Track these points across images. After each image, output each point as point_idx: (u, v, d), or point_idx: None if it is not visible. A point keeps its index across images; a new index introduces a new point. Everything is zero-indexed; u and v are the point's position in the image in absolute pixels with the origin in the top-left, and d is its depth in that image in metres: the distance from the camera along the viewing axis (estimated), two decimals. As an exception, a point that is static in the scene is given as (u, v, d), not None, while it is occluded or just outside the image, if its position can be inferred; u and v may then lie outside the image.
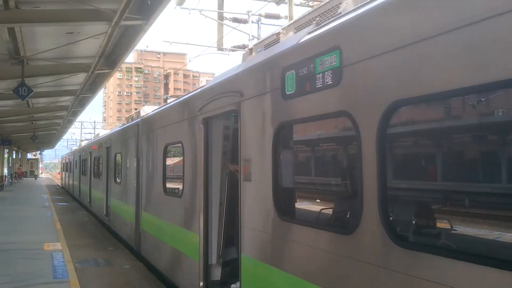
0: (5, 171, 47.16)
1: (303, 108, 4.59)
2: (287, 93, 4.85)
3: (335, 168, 4.61)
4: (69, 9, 10.75)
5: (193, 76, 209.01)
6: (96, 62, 15.04)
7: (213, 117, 7.29)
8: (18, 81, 15.33)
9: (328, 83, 4.16)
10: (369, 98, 3.66)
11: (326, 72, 4.19)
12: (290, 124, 4.93)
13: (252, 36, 18.85)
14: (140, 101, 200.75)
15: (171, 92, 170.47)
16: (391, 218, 3.48)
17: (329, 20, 4.79)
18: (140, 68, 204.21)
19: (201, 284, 7.31)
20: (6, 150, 46.55)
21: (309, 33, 4.89)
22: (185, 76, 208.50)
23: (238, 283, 7.06)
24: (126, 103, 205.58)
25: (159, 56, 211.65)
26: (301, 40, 4.84)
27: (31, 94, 14.51)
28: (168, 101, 20.34)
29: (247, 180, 5.80)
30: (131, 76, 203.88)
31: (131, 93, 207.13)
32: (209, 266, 7.43)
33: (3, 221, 18.53)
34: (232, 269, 7.52)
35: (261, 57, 5.92)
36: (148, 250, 10.92)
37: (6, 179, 46.27)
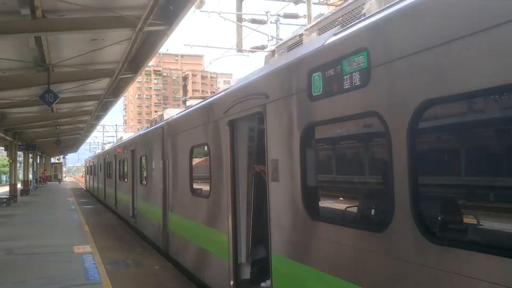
0: (30, 176, 48.05)
1: (330, 109, 4.69)
2: (314, 94, 4.95)
3: (363, 168, 4.69)
4: (94, 16, 11.01)
5: (211, 77, 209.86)
6: (120, 67, 15.33)
7: (238, 119, 7.43)
8: (44, 87, 15.70)
9: (356, 84, 4.25)
10: (399, 98, 3.75)
11: (354, 73, 4.29)
12: (317, 125, 5.03)
13: (271, 36, 18.96)
14: (160, 103, 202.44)
15: (189, 94, 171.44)
16: (423, 215, 3.56)
17: (354, 22, 4.88)
18: (159, 71, 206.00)
19: (231, 283, 7.45)
20: (31, 155, 47.40)
21: (335, 34, 4.99)
22: (203, 77, 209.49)
23: (268, 282, 7.21)
24: (146, 106, 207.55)
25: (177, 58, 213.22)
26: (327, 42, 4.94)
27: (57, 100, 14.86)
28: (187, 103, 20.57)
29: (274, 180, 5.92)
30: (150, 79, 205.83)
31: (150, 96, 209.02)
32: (238, 265, 7.56)
33: (32, 225, 18.98)
34: (261, 268, 7.65)
35: (285, 59, 6.02)
36: (176, 250, 11.11)
37: (31, 183, 47.17)
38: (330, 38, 5.00)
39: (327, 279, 4.73)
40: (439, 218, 3.72)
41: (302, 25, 21.00)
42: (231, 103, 7.48)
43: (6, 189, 37.39)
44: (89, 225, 18.54)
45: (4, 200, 29.04)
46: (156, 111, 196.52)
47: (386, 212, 3.95)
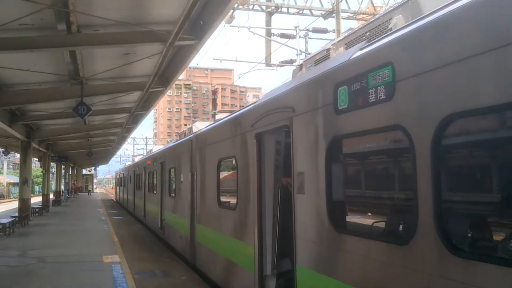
0: (62, 186, 49.06)
1: (356, 123, 4.75)
2: (340, 108, 5.02)
3: (388, 181, 4.71)
4: (127, 31, 11.32)
5: (240, 91, 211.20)
6: (151, 80, 15.65)
7: (265, 132, 7.52)
8: (77, 100, 16.13)
9: (381, 98, 4.30)
10: (423, 112, 3.78)
11: (379, 87, 4.34)
12: (343, 138, 5.08)
13: (300, 51, 19.08)
14: (189, 117, 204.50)
15: (219, 108, 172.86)
16: (446, 228, 3.57)
17: (380, 36, 4.94)
18: (189, 84, 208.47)
19: (257, 294, 7.49)
20: (63, 166, 48.45)
21: (361, 49, 5.05)
22: (232, 91, 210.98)
23: (292, 294, 7.24)
24: (176, 119, 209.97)
25: (206, 72, 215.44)
26: (353, 56, 5.00)
27: (90, 112, 15.22)
28: (217, 116, 20.78)
29: (300, 193, 5.98)
30: (180, 92, 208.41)
31: (180, 109, 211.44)
32: (264, 277, 7.60)
33: (63, 235, 19.39)
34: (286, 280, 7.67)
35: (312, 73, 6.11)
36: (203, 262, 11.21)
37: (63, 194, 48.14)
38: (356, 52, 5.07)
39: (351, 291, 4.74)
40: (463, 231, 3.72)
41: (331, 40, 21.09)
42: (258, 117, 7.58)
43: (39, 199, 38.21)
44: (118, 236, 18.82)
45: (37, 209, 29.72)
46: (185, 124, 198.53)
47: (409, 225, 3.96)
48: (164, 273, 11.33)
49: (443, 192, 3.61)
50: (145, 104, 21.65)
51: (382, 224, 4.75)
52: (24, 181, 25.19)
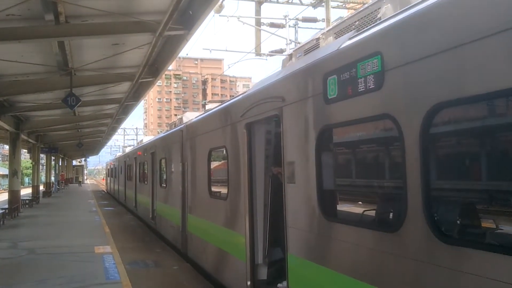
0: (52, 178, 48.82)
1: (345, 112, 4.78)
2: (329, 97, 5.04)
3: (377, 169, 4.76)
4: (116, 21, 11.24)
5: (230, 81, 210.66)
6: (141, 71, 15.57)
7: (255, 122, 7.53)
8: (66, 91, 16.04)
9: (370, 87, 4.33)
10: (412, 101, 3.82)
11: (368, 77, 4.37)
12: (332, 127, 5.11)
13: (290, 40, 19.06)
14: (180, 107, 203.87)
15: (209, 98, 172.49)
16: (435, 216, 3.62)
17: (369, 26, 4.96)
18: (179, 75, 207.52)
19: (249, 283, 7.55)
20: (53, 158, 48.17)
21: (350, 38, 5.08)
22: (222, 81, 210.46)
23: (284, 283, 7.30)
24: (166, 110, 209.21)
25: (196, 62, 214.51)
26: (342, 46, 5.02)
27: (79, 103, 15.15)
28: (207, 106, 20.77)
29: (291, 182, 6.02)
30: (170, 83, 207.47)
31: (170, 100, 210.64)
32: (255, 266, 7.66)
33: (54, 226, 19.35)
34: (277, 269, 7.74)
35: (301, 63, 6.12)
36: (195, 252, 11.26)
37: (54, 185, 47.92)
38: (346, 42, 5.09)
39: (342, 279, 4.80)
40: (451, 219, 3.78)
41: (321, 29, 21.06)
42: (248, 106, 7.59)
43: (29, 190, 38.02)
44: (110, 226, 18.82)
45: (27, 201, 29.58)
46: (176, 115, 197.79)
47: (398, 213, 4.02)
48: (156, 263, 11.36)
49: (432, 180, 3.66)
50: (135, 95, 21.57)
51: (372, 212, 4.81)
52: (14, 173, 25.05)
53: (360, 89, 4.49)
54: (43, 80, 16.12)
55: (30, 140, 31.64)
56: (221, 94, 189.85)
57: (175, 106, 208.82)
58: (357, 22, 6.21)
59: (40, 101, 20.13)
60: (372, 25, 4.88)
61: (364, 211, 4.97)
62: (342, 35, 6.30)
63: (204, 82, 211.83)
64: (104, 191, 56.33)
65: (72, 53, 13.34)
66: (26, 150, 41.55)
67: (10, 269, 10.91)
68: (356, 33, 5.10)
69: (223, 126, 9.03)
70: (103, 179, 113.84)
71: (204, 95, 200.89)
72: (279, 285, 7.40)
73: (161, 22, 10.79)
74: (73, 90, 15.18)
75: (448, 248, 3.44)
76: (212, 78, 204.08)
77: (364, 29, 4.99)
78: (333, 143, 5.41)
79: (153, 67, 16.34)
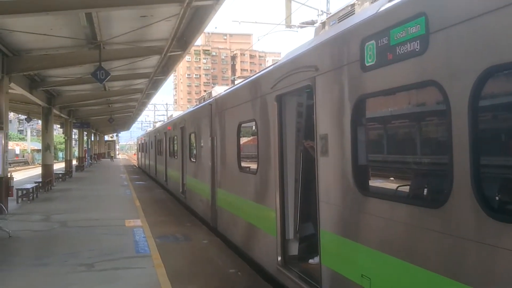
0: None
1: (384, 80, 4.47)
2: (367, 64, 4.73)
3: (418, 141, 4.45)
4: (143, -10, 11.02)
5: (259, 56, 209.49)
6: (169, 44, 15.38)
7: (286, 93, 7.26)
8: (95, 65, 16.00)
9: (412, 52, 4.00)
10: (460, 66, 3.48)
11: (410, 40, 4.04)
12: (370, 97, 4.81)
13: (321, 11, 18.52)
14: (209, 83, 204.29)
15: (238, 73, 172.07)
16: (484, 191, 3.32)
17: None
18: (208, 50, 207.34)
19: (279, 258, 7.39)
20: (85, 133, 48.89)
21: (390, 1, 4.73)
22: (251, 56, 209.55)
23: (316, 258, 7.11)
24: (195, 85, 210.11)
25: (225, 37, 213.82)
26: (381, 9, 4.68)
27: (109, 77, 15.09)
28: (236, 82, 20.49)
29: (324, 156, 5.76)
30: (199, 58, 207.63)
31: (200, 76, 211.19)
32: (286, 241, 7.49)
33: (86, 199, 19.60)
34: (308, 245, 7.55)
35: (336, 30, 5.80)
36: (224, 226, 11.17)
37: (86, 160, 48.74)
38: (385, 4, 4.74)
39: (377, 256, 4.57)
40: (503, 193, 3.46)
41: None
42: (279, 78, 7.31)
43: (62, 165, 38.73)
44: (141, 200, 18.95)
45: (60, 175, 30.12)
46: (205, 91, 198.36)
47: (443, 188, 3.73)
48: (185, 237, 11.32)
49: (481, 152, 3.35)
50: (164, 69, 21.46)
51: (413, 187, 4.51)
52: (47, 147, 25.45)
53: (401, 54, 4.17)
54: (72, 54, 16.11)
55: (62, 115, 32.06)
56: (250, 70, 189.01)
57: (204, 82, 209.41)
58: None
59: (71, 76, 20.23)
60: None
61: (404, 185, 4.67)
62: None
63: (233, 58, 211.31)
64: (135, 165, 57.07)
65: (100, 26, 13.22)
66: (59, 125, 42.20)
67: (42, 241, 11.04)
68: (397, -5, 4.74)
69: (253, 99, 8.79)
70: (134, 154, 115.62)
71: (233, 70, 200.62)
72: (310, 260, 7.24)
73: (189, -8, 10.52)
74: (102, 65, 15.10)
75: (499, 225, 3.15)
76: (241, 54, 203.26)
77: (405, -10, 4.62)
78: (370, 114, 5.11)
79: (182, 40, 16.12)
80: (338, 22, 7.12)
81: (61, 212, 15.82)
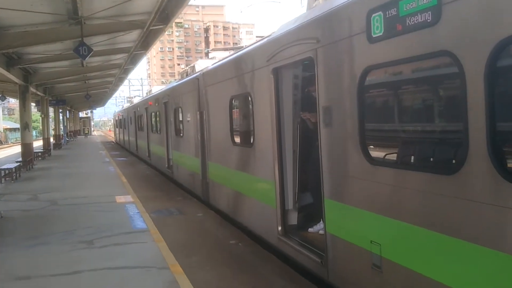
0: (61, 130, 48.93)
1: (393, 51, 4.56)
2: (374, 36, 4.80)
3: (428, 110, 4.57)
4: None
5: (233, 28, 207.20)
6: (152, 18, 15.15)
7: (283, 66, 7.30)
8: (75, 41, 15.68)
9: (423, 22, 4.09)
10: (476, 36, 3.60)
11: (421, 11, 4.12)
12: (378, 68, 4.90)
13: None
14: (182, 56, 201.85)
15: (211, 46, 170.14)
16: (501, 157, 3.48)
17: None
18: (180, 23, 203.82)
19: (280, 228, 7.56)
20: (60, 110, 48.06)
21: (395, -28, 4.79)
22: (224, 28, 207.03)
23: (315, 227, 7.33)
24: (169, 59, 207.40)
25: (197, 9, 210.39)
26: (388, -20, 4.73)
27: (91, 53, 14.85)
28: (210, 55, 20.21)
29: (328, 127, 5.86)
30: (172, 32, 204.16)
31: (173, 49, 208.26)
32: (285, 211, 7.64)
33: (70, 177, 19.49)
34: (307, 214, 7.74)
35: (337, 1, 5.83)
36: (217, 199, 11.27)
37: (63, 137, 48.08)
38: (391, -24, 4.79)
39: (388, 222, 4.74)
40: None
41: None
42: (275, 50, 7.33)
43: (37, 144, 38.10)
44: (126, 176, 18.91)
45: (39, 154, 29.73)
46: (179, 64, 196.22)
47: (457, 155, 3.88)
48: (180, 211, 11.43)
49: (497, 120, 3.49)
50: (144, 44, 21.11)
51: (423, 155, 4.65)
52: (25, 126, 25.02)
53: (411, 25, 4.25)
54: (52, 30, 15.72)
55: (38, 93, 31.47)
56: (224, 42, 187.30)
57: (177, 56, 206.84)
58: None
59: (49, 53, 19.80)
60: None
61: (414, 154, 4.81)
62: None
63: (207, 30, 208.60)
64: (113, 142, 56.53)
65: (82, 1, 12.91)
66: (34, 104, 41.36)
67: (35, 221, 11.00)
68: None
69: (247, 72, 8.80)
70: (109, 131, 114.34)
71: (207, 43, 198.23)
72: (310, 229, 7.43)
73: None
74: (84, 40, 14.82)
75: None
76: (214, 26, 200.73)
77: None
78: (378, 84, 5.22)
79: (164, 14, 15.86)
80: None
81: (48, 190, 15.72)
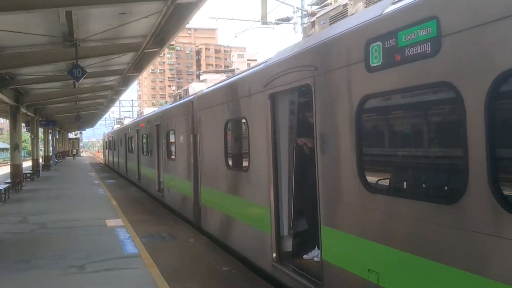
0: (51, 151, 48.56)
1: (391, 80, 4.60)
2: (372, 65, 4.86)
3: (428, 141, 4.59)
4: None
5: (225, 51, 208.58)
6: (147, 41, 15.23)
7: (280, 92, 7.34)
8: (69, 63, 15.68)
9: (423, 53, 4.14)
10: (476, 68, 3.65)
11: (420, 42, 4.18)
12: (376, 97, 4.94)
13: (297, 8, 18.69)
14: (174, 78, 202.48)
15: (203, 68, 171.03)
16: (502, 187, 3.50)
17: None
18: (172, 45, 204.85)
19: (274, 255, 7.49)
20: (50, 131, 47.79)
21: (394, 3, 4.87)
22: (216, 51, 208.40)
23: (310, 254, 7.28)
24: (159, 81, 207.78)
25: (190, 32, 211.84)
26: (387, 10, 4.82)
27: (85, 75, 14.87)
28: (201, 77, 20.34)
29: (325, 153, 5.88)
30: (163, 53, 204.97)
31: (164, 71, 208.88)
32: (280, 237, 7.59)
33: (59, 199, 19.27)
34: (302, 240, 7.69)
35: (334, 30, 5.91)
36: (210, 224, 11.17)
37: (52, 158, 47.70)
38: (389, 6, 4.88)
39: (386, 251, 4.72)
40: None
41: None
42: (273, 76, 7.38)
43: (26, 164, 37.73)
44: (116, 199, 18.74)
45: (28, 175, 29.43)
46: (170, 86, 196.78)
47: (457, 185, 3.90)
48: (171, 236, 11.31)
49: (497, 151, 3.52)
50: (137, 66, 21.21)
51: (422, 184, 4.66)
52: (15, 147, 24.82)
53: (410, 55, 4.31)
54: (46, 52, 15.75)
55: (29, 113, 31.30)
56: (216, 64, 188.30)
57: (168, 77, 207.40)
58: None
59: (42, 74, 19.76)
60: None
61: (413, 183, 4.83)
62: (376, 1, 6.10)
63: (198, 53, 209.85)
64: (101, 163, 56.16)
65: (78, 23, 12.97)
66: (24, 124, 41.14)
67: (25, 244, 10.82)
68: (401, -2, 4.89)
69: (243, 97, 8.82)
70: (98, 152, 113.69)
71: (198, 65, 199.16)
72: (305, 256, 7.38)
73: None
74: (78, 62, 14.84)
75: None
76: (206, 48, 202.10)
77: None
78: (375, 113, 5.26)
79: (158, 37, 15.97)
80: (330, 22, 7.26)
81: (37, 213, 15.51)
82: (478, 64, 3.64)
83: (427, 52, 4.12)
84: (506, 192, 3.50)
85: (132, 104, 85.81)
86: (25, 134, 58.25)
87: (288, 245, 7.70)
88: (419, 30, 4.21)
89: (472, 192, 3.69)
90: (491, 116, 3.52)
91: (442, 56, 3.96)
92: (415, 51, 4.26)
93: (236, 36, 27.52)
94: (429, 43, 4.10)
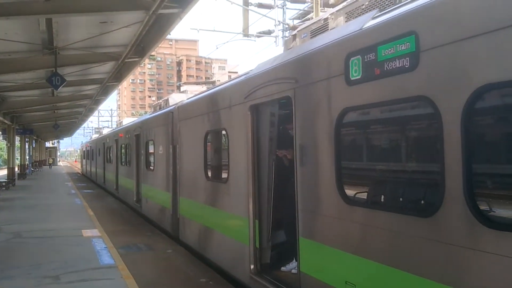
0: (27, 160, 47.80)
1: (371, 94, 4.67)
2: (352, 78, 4.93)
3: (406, 154, 4.66)
4: (109, -3, 10.87)
5: (206, 62, 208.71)
6: (128, 50, 15.18)
7: (261, 104, 7.38)
8: (48, 71, 15.51)
9: (401, 68, 4.22)
10: (453, 83, 3.72)
11: (399, 57, 4.26)
12: (355, 110, 5.01)
13: (278, 21, 18.84)
14: (154, 88, 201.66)
15: (183, 79, 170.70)
16: (477, 201, 3.56)
17: (397, 5, 4.85)
18: (153, 55, 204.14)
19: (252, 267, 7.47)
20: (27, 139, 47.08)
21: (373, 18, 4.96)
22: (197, 63, 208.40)
23: (288, 266, 7.27)
24: (140, 91, 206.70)
25: (171, 43, 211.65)
26: (367, 25, 4.90)
27: (65, 83, 14.73)
28: (182, 88, 20.26)
29: (304, 165, 5.91)
30: (144, 64, 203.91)
31: (144, 81, 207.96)
32: (259, 249, 7.57)
33: (35, 209, 18.93)
34: (280, 252, 7.69)
35: (315, 44, 5.98)
36: (188, 235, 11.09)
37: (28, 167, 46.94)
38: (369, 21, 4.97)
39: (363, 263, 4.75)
40: (496, 203, 3.71)
41: (307, 10, 20.90)
42: (253, 88, 7.42)
43: (1, 173, 37.09)
44: (93, 209, 18.50)
45: (3, 184, 28.89)
46: (150, 96, 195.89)
47: (433, 198, 3.96)
48: (148, 247, 11.20)
49: (474, 165, 3.59)
50: (117, 75, 21.10)
51: (400, 197, 4.72)
52: (-10, 155, 24.36)
53: (389, 70, 4.38)
54: (25, 59, 15.57)
55: (5, 121, 30.80)
56: (197, 76, 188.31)
57: (149, 88, 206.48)
58: (367, 3, 6.11)
59: (20, 81, 19.51)
60: (400, 4, 4.77)
61: (390, 195, 4.88)
62: (353, 16, 6.20)
63: (179, 64, 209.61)
64: (79, 173, 55.44)
65: (58, 31, 12.88)
66: (0, 132, 40.51)
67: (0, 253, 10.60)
68: (381, 13, 4.98)
69: (223, 108, 8.83)
70: (75, 161, 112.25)
71: (179, 76, 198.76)
72: (282, 268, 7.37)
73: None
74: (57, 70, 14.71)
75: (491, 233, 3.40)
76: (187, 60, 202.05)
77: (391, 8, 4.87)
78: (354, 126, 5.31)
79: (139, 47, 15.94)
80: (311, 36, 7.34)
81: (12, 222, 15.21)
82: (455, 79, 3.72)
83: (406, 66, 4.20)
84: (481, 206, 3.57)
85: (112, 114, 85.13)
86: (1, 142, 57.32)
87: (267, 257, 7.68)
88: (398, 45, 4.30)
89: (448, 206, 3.75)
90: (468, 131, 3.60)
91: (420, 70, 4.04)
92: (394, 65, 4.34)
93: (217, 48, 27.60)
94: (408, 58, 4.18)
